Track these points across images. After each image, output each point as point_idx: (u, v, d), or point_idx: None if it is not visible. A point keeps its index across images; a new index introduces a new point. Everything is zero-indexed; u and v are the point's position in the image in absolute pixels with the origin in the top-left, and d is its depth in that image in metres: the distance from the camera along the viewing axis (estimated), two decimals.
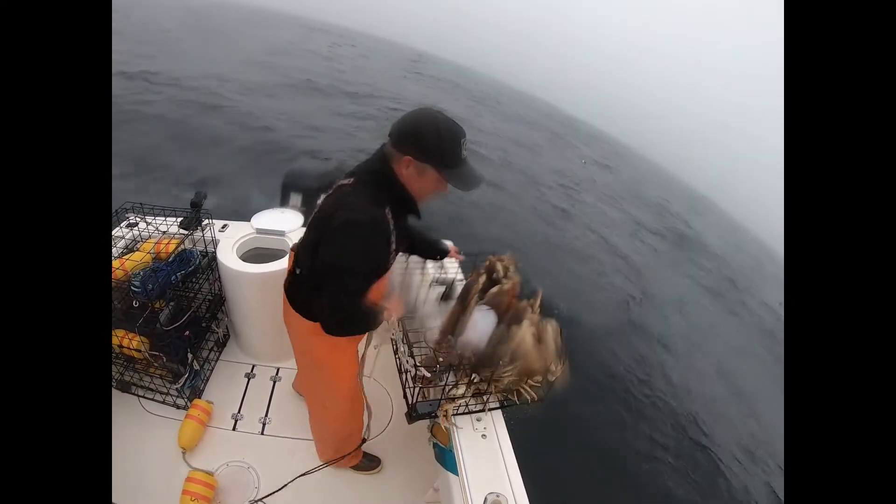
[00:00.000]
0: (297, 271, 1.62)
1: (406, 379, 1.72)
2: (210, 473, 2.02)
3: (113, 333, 2.09)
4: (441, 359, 1.73)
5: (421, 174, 1.38)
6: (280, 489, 1.96)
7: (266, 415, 2.45)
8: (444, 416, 1.63)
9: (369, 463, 2.25)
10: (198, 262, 2.46)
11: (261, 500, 1.92)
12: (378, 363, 2.34)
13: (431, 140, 1.33)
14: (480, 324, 1.64)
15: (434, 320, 1.78)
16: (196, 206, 2.43)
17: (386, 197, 1.41)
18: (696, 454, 4.45)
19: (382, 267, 1.47)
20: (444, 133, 1.33)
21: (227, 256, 2.40)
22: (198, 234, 2.44)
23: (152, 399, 2.35)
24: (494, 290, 1.75)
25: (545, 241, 8.15)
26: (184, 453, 2.15)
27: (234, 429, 2.37)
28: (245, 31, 20.82)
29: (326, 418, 2.05)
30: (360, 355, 1.94)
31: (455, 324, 1.70)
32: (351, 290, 1.42)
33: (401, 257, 1.95)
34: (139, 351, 2.15)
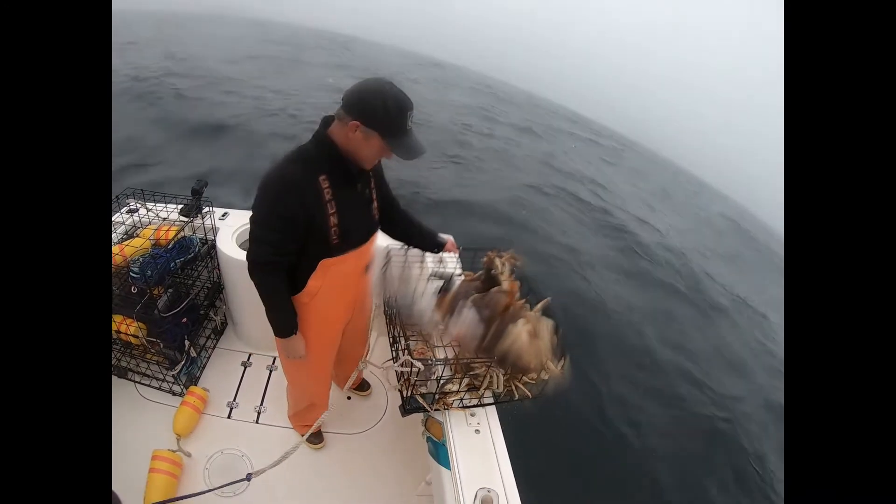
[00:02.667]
0: None
1: (401, 372, 1.73)
2: (174, 451, 2.06)
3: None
4: (435, 351, 1.74)
5: (367, 139, 1.44)
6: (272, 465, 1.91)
7: (261, 403, 2.45)
8: (443, 405, 1.64)
9: (315, 438, 2.31)
10: (197, 249, 2.46)
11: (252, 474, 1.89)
12: (374, 354, 2.34)
13: (378, 108, 1.39)
14: (469, 319, 1.64)
15: (431, 314, 1.79)
16: (197, 193, 2.43)
17: (324, 163, 1.49)
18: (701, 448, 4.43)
19: (292, 222, 1.48)
20: (390, 102, 1.40)
21: (227, 244, 2.41)
22: (198, 221, 2.44)
23: (148, 385, 2.36)
24: (493, 290, 1.75)
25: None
26: (178, 440, 2.16)
27: (229, 416, 2.38)
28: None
29: (289, 381, 2.19)
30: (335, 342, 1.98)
31: (445, 314, 1.72)
32: (256, 237, 1.52)
33: (400, 249, 1.96)
34: (136, 337, 2.16)
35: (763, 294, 9.29)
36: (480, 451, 1.56)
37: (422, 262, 1.97)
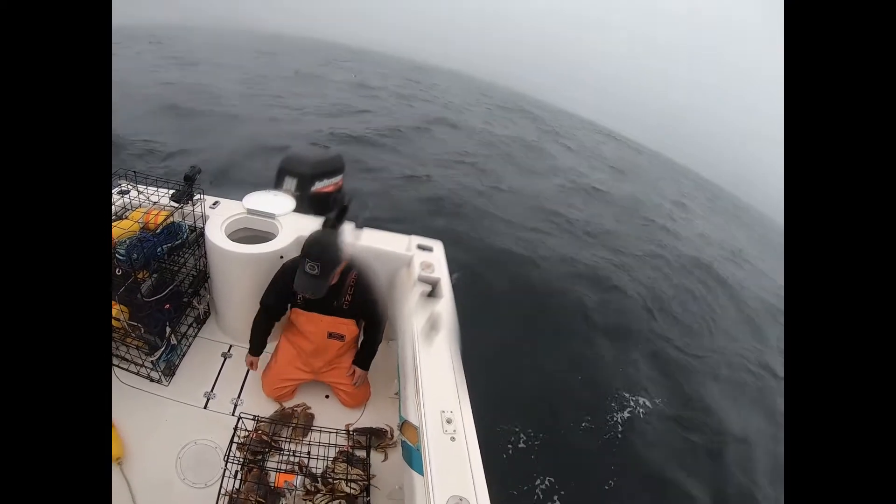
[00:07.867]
0: None
1: None
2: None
3: None
4: None
5: None
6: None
7: (238, 396, 2.43)
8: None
9: None
10: (185, 236, 2.44)
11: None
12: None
13: None
14: None
15: (417, 318, 1.79)
16: (189, 179, 2.41)
17: None
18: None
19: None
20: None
21: (215, 234, 2.39)
22: (188, 208, 2.42)
23: (126, 370, 2.33)
24: None
25: None
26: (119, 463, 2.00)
27: (205, 407, 2.35)
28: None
29: None
30: None
31: None
32: None
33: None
34: (118, 320, 2.13)
35: None
36: (455, 458, 1.56)
37: (409, 266, 1.97)
